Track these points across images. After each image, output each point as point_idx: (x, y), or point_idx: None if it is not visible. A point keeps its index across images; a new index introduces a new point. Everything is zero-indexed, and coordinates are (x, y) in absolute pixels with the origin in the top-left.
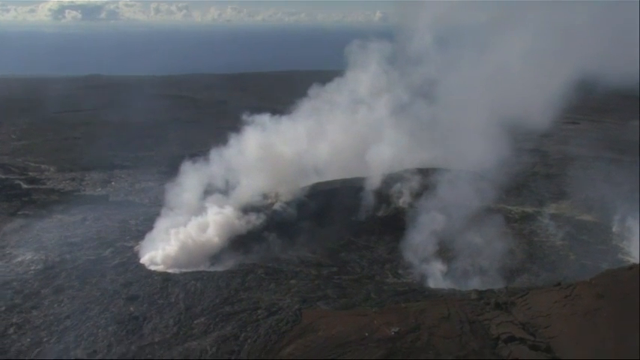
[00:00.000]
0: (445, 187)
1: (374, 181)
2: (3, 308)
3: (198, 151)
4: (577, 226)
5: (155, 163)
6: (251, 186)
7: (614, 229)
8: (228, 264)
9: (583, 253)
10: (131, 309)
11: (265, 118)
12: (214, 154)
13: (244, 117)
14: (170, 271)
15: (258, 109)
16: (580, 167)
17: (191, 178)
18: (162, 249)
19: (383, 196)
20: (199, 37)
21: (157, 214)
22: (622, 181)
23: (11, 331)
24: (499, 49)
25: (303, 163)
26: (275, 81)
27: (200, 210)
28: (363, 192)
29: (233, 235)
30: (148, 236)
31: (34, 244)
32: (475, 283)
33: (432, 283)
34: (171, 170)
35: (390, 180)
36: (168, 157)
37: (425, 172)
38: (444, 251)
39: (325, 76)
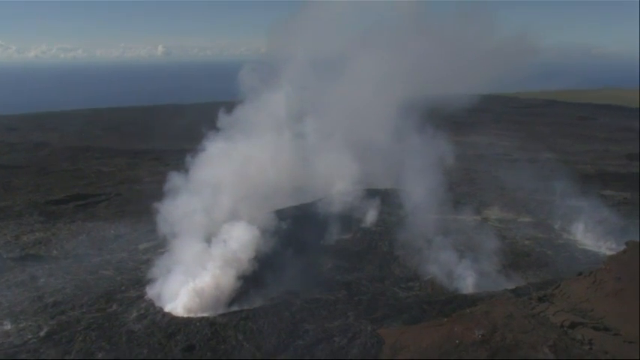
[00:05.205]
0: (398, 204)
1: (332, 205)
2: None
3: (65, 196)
4: (527, 226)
5: (24, 212)
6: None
7: (556, 227)
8: (255, 301)
9: (553, 248)
10: None
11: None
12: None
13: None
14: (206, 314)
15: (87, 149)
16: (470, 178)
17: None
18: (190, 292)
19: (345, 218)
20: None
21: (123, 262)
22: (517, 187)
23: None
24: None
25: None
26: (83, 119)
27: (215, 239)
28: (324, 216)
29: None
30: (160, 281)
31: (3, 311)
32: (493, 283)
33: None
34: (50, 219)
35: (346, 202)
36: (34, 204)
37: (372, 193)
38: (444, 259)
39: (132, 112)
